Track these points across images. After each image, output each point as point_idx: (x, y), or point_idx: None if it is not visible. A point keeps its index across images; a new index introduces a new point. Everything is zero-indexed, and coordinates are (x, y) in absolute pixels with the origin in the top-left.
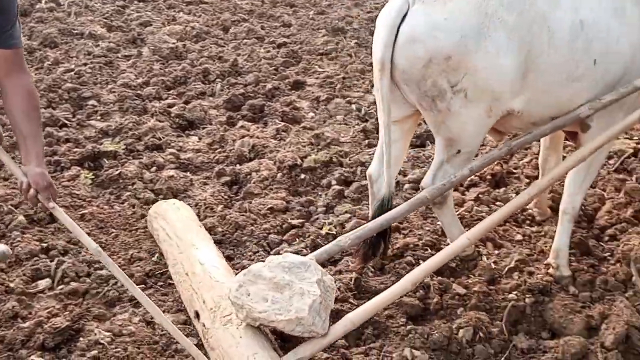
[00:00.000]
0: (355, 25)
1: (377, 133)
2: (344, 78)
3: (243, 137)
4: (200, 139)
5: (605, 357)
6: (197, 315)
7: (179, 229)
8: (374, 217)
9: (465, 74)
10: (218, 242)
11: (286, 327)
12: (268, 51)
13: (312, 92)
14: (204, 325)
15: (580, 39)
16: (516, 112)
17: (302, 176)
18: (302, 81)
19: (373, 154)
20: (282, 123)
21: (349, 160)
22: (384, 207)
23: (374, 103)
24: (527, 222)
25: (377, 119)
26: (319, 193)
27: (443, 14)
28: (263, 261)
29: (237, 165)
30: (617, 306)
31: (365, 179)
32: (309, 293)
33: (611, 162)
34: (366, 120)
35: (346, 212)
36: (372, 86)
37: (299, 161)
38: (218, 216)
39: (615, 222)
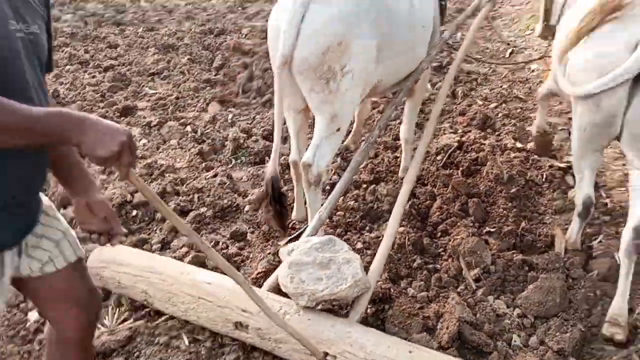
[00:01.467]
0: (187, 40)
1: (215, 154)
2: (177, 98)
3: None
4: None
5: None
6: (241, 325)
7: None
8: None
9: (350, 56)
10: None
11: (348, 293)
12: (93, 76)
13: (144, 117)
14: (258, 329)
15: (413, 17)
16: (377, 82)
17: (134, 213)
18: (132, 106)
19: (211, 177)
20: None
21: (186, 187)
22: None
23: (210, 122)
24: (366, 229)
25: (213, 139)
26: (154, 229)
27: (336, 8)
28: None
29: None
30: (450, 303)
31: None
32: (352, 259)
33: (439, 157)
34: (202, 142)
35: (184, 246)
36: (207, 104)
37: (128, 197)
38: None
39: (446, 218)
